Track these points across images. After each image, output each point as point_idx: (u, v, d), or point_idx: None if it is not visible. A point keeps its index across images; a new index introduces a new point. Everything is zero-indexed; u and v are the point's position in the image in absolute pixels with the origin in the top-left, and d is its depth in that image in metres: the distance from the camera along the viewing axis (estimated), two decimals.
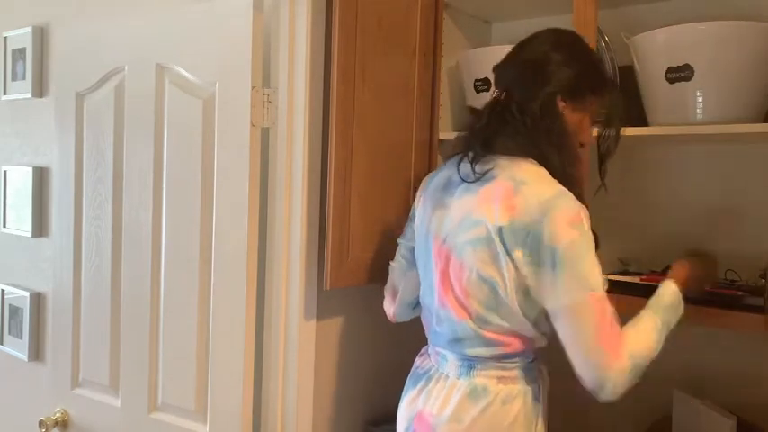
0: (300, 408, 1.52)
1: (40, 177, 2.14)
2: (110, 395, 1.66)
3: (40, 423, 1.72)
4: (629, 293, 1.42)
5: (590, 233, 1.12)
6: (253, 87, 1.41)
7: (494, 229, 1.13)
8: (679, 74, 1.37)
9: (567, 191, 1.13)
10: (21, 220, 2.20)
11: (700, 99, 1.36)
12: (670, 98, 1.41)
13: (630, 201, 1.68)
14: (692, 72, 1.35)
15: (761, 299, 1.29)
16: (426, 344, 1.36)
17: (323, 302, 1.55)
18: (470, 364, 1.21)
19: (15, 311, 2.21)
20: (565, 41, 1.24)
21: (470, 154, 1.22)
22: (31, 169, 2.15)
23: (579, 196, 1.16)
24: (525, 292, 1.15)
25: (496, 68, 1.29)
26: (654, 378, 1.63)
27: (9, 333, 2.26)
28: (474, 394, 1.19)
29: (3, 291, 2.27)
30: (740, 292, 1.33)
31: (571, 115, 1.21)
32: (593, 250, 1.11)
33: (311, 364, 1.53)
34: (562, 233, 1.09)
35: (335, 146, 1.40)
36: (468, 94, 1.75)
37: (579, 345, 1.10)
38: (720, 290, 1.36)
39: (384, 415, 1.70)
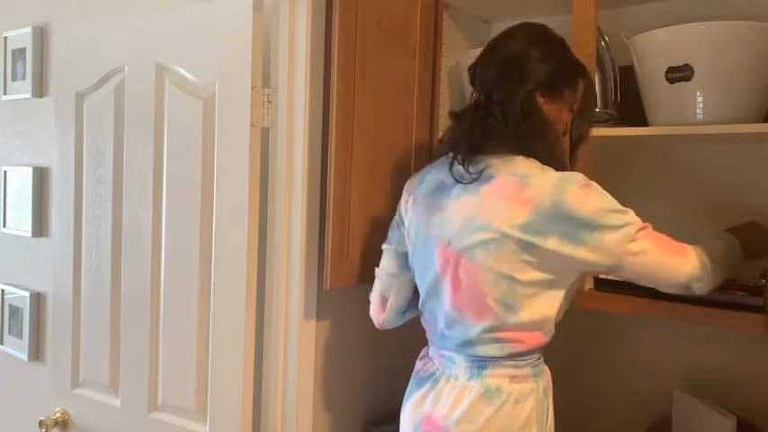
0: (300, 408, 1.52)
1: (40, 177, 2.14)
2: (110, 395, 1.66)
3: (40, 423, 1.72)
4: (629, 293, 1.42)
5: (600, 187, 1.16)
6: (253, 87, 1.41)
7: (509, 227, 1.13)
8: (679, 74, 1.37)
9: (569, 172, 1.17)
10: (21, 220, 2.20)
11: (700, 99, 1.36)
12: (670, 98, 1.40)
13: (630, 200, 1.67)
14: (692, 72, 1.35)
15: (761, 299, 1.29)
16: (425, 345, 1.35)
17: (323, 302, 1.55)
18: (481, 364, 1.20)
19: (15, 311, 2.22)
20: (540, 37, 1.26)
21: (459, 156, 1.22)
22: (31, 169, 2.15)
23: None
24: (549, 284, 1.17)
25: (472, 68, 1.29)
26: (654, 378, 1.64)
27: (9, 333, 2.26)
28: (488, 395, 1.18)
29: (3, 291, 2.28)
30: (740, 292, 1.33)
31: (549, 108, 1.22)
32: (609, 196, 1.15)
33: (311, 364, 1.53)
34: (582, 201, 1.12)
35: (335, 146, 1.40)
36: (469, 94, 1.75)
37: (655, 273, 1.16)
38: (720, 290, 1.36)
39: (384, 415, 1.70)
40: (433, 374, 1.28)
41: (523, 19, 1.84)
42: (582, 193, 1.13)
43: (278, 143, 1.48)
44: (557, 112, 1.24)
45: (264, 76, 1.47)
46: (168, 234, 1.54)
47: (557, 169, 1.17)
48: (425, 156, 1.65)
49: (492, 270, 1.16)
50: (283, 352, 1.51)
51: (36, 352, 2.17)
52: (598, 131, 1.43)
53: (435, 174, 1.30)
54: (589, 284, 1.46)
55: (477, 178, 1.19)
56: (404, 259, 1.36)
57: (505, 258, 1.15)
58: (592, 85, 1.31)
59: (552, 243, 1.12)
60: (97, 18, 1.91)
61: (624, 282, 1.46)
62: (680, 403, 1.50)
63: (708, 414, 1.40)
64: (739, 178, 1.54)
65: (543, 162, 1.19)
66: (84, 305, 1.71)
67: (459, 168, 1.22)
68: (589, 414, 1.72)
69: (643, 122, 1.49)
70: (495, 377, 1.20)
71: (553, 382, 1.29)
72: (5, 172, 2.27)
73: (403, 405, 1.32)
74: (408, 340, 1.47)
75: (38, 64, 2.14)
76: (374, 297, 1.42)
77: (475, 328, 1.19)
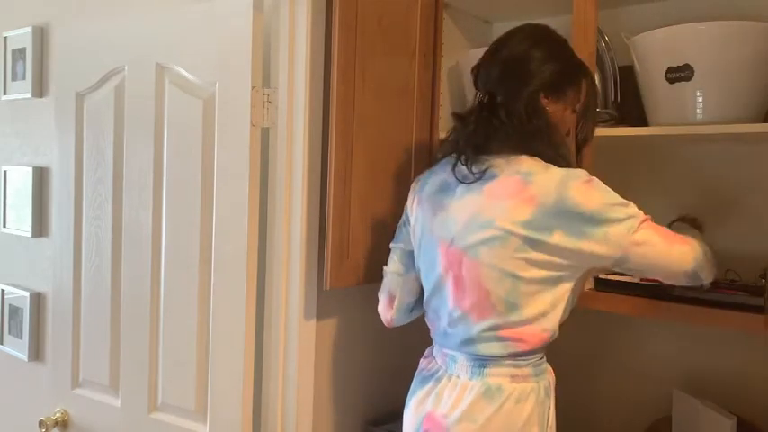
0: (300, 408, 1.52)
1: (40, 177, 2.14)
2: (110, 395, 1.66)
3: (40, 423, 1.72)
4: (629, 293, 1.42)
5: (602, 183, 1.17)
6: (253, 87, 1.41)
7: (512, 225, 1.14)
8: (679, 74, 1.37)
9: (572, 169, 1.18)
10: (21, 220, 2.20)
11: (700, 99, 1.36)
12: (670, 98, 1.41)
13: (630, 200, 1.68)
14: (692, 72, 1.35)
15: (761, 299, 1.29)
16: (429, 344, 1.35)
17: (323, 302, 1.55)
18: (482, 363, 1.21)
19: (15, 311, 2.22)
20: (543, 38, 1.27)
21: (463, 157, 1.22)
22: (31, 169, 2.15)
23: None
24: (554, 281, 1.17)
25: (476, 69, 1.30)
26: (654, 378, 1.64)
27: (9, 333, 2.26)
28: (488, 394, 1.19)
29: (3, 291, 2.28)
30: (740, 292, 1.33)
31: (553, 109, 1.23)
32: (612, 191, 1.16)
33: (311, 364, 1.53)
34: (585, 196, 1.13)
35: (335, 146, 1.40)
36: (469, 94, 1.75)
37: (661, 262, 1.16)
38: (720, 290, 1.36)
39: (384, 415, 1.70)
40: (435, 373, 1.28)
41: (524, 19, 1.84)
42: (585, 189, 1.14)
43: (278, 143, 1.48)
44: (560, 113, 1.24)
45: (264, 76, 1.47)
46: (168, 234, 1.54)
47: (561, 167, 1.18)
48: (425, 156, 1.65)
49: (496, 268, 1.16)
50: (283, 352, 1.51)
51: (36, 352, 2.17)
52: (598, 131, 1.44)
53: (439, 175, 1.31)
54: (589, 284, 1.46)
55: (481, 178, 1.20)
56: (410, 258, 1.36)
57: (509, 256, 1.15)
58: (594, 85, 1.32)
59: (557, 238, 1.13)
60: (97, 18, 1.91)
61: (624, 282, 1.46)
62: (680, 403, 1.50)
63: (708, 414, 1.40)
64: (739, 178, 1.54)
65: (551, 161, 1.19)
66: (84, 305, 1.71)
67: (462, 169, 1.23)
68: (589, 414, 1.72)
69: (643, 122, 1.49)
70: (496, 376, 1.20)
71: (562, 376, 1.29)
72: (5, 172, 2.27)
73: (406, 403, 1.33)
74: (409, 340, 1.47)
75: (38, 64, 2.14)
76: (382, 295, 1.42)
77: (477, 327, 1.20)
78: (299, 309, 1.49)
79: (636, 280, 1.47)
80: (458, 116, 1.29)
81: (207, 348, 1.48)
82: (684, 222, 1.42)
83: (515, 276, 1.16)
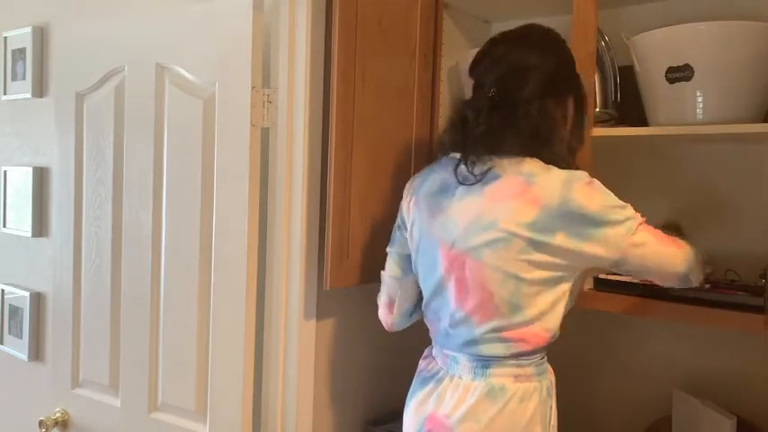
0: (300, 408, 1.52)
1: (40, 177, 2.14)
2: (110, 395, 1.66)
3: (40, 423, 1.72)
4: (629, 293, 1.42)
5: (599, 183, 1.18)
6: (253, 87, 1.41)
7: (516, 226, 1.14)
8: (679, 74, 1.37)
9: (574, 171, 1.19)
10: (21, 220, 2.20)
11: (700, 99, 1.36)
12: (670, 98, 1.41)
13: (630, 200, 1.68)
14: (692, 72, 1.35)
15: (761, 299, 1.29)
16: (428, 344, 1.35)
17: (323, 302, 1.55)
18: (485, 364, 1.20)
19: (15, 311, 2.22)
20: (553, 41, 1.28)
21: (472, 157, 1.21)
22: (31, 169, 2.15)
23: None
24: (556, 281, 1.18)
25: (479, 66, 1.28)
26: (654, 378, 1.64)
27: (9, 333, 2.26)
28: (492, 394, 1.19)
29: (3, 291, 2.28)
30: (740, 292, 1.33)
31: (555, 108, 1.23)
32: (611, 193, 1.18)
33: (311, 364, 1.53)
34: (588, 198, 1.14)
35: (335, 146, 1.40)
36: (469, 94, 1.75)
37: (656, 263, 1.18)
38: (720, 290, 1.36)
39: (384, 415, 1.70)
40: (436, 374, 1.28)
41: (524, 19, 1.84)
42: (587, 191, 1.15)
43: (278, 143, 1.48)
44: (562, 114, 1.25)
45: (264, 76, 1.46)
46: (168, 234, 1.54)
47: (562, 168, 1.19)
48: (425, 156, 1.65)
49: (499, 270, 1.16)
50: (283, 352, 1.51)
51: (36, 352, 2.17)
52: (598, 131, 1.44)
53: (438, 174, 1.30)
54: (589, 284, 1.46)
55: (482, 179, 1.20)
56: (406, 262, 1.36)
57: (512, 258, 1.15)
58: (584, 90, 1.32)
59: (560, 239, 1.14)
60: (97, 18, 1.91)
61: (624, 282, 1.46)
62: (680, 403, 1.50)
63: (708, 414, 1.40)
64: (739, 178, 1.54)
65: (552, 162, 1.19)
66: (84, 305, 1.71)
67: (463, 169, 1.22)
68: (589, 414, 1.72)
69: (643, 122, 1.49)
70: (500, 376, 1.20)
71: (562, 376, 1.29)
72: (5, 172, 2.27)
73: (406, 404, 1.32)
74: (409, 340, 1.47)
75: (38, 64, 2.14)
76: (381, 300, 1.42)
77: (480, 329, 1.19)
78: (299, 309, 1.49)
79: (636, 280, 1.47)
80: (467, 107, 1.26)
81: (207, 348, 1.48)
82: (669, 229, 1.42)
83: (518, 278, 1.16)
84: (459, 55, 1.78)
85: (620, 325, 1.69)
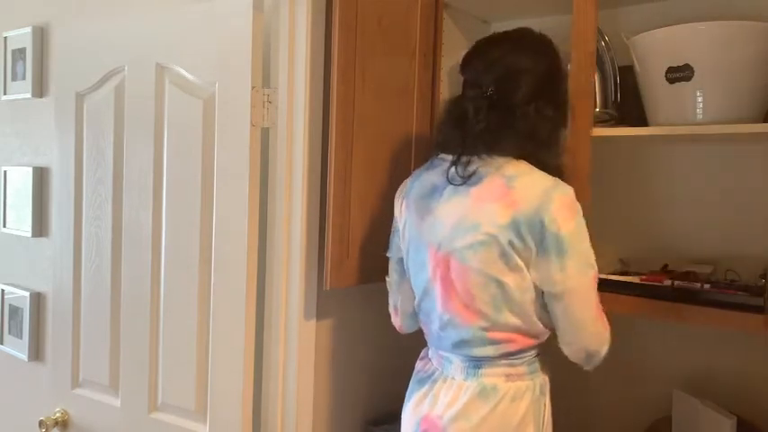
0: (300, 408, 1.52)
1: (40, 177, 2.14)
2: (110, 395, 1.66)
3: (40, 423, 1.72)
4: (629, 293, 1.42)
5: (582, 215, 1.18)
6: (253, 87, 1.41)
7: (496, 229, 1.14)
8: (679, 74, 1.37)
9: (559, 180, 1.18)
10: (21, 220, 2.20)
11: (700, 99, 1.36)
12: (670, 98, 1.41)
13: (630, 201, 1.68)
14: (692, 72, 1.35)
15: (761, 299, 1.29)
16: (425, 345, 1.36)
17: (323, 302, 1.55)
18: (477, 364, 1.21)
19: (15, 311, 2.21)
20: (547, 46, 1.28)
21: (467, 156, 1.21)
22: (31, 169, 2.15)
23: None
24: (534, 286, 1.18)
25: (472, 66, 1.29)
26: (654, 378, 1.64)
27: (9, 333, 2.26)
28: (484, 394, 1.19)
29: (3, 291, 2.28)
30: (740, 292, 1.33)
31: (546, 112, 1.24)
32: (587, 231, 1.18)
33: (311, 364, 1.53)
34: (565, 219, 1.13)
35: (335, 146, 1.40)
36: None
37: (581, 322, 1.18)
38: (720, 290, 1.36)
39: (384, 415, 1.70)
40: (431, 375, 1.29)
41: (524, 19, 1.85)
42: (566, 211, 1.14)
43: (278, 143, 1.48)
44: (554, 113, 1.26)
45: (264, 76, 1.46)
46: (168, 234, 1.53)
47: (553, 173, 1.18)
48: (425, 155, 1.65)
49: (481, 273, 1.17)
50: (283, 352, 1.51)
51: (36, 352, 2.17)
52: (598, 131, 1.44)
53: (428, 176, 1.31)
54: None
55: (468, 180, 1.21)
56: (402, 266, 1.37)
57: (493, 261, 1.16)
58: (567, 92, 1.34)
59: (527, 247, 1.15)
60: (97, 18, 1.90)
61: (624, 282, 1.47)
62: (680, 403, 1.50)
63: (708, 414, 1.40)
64: (739, 178, 1.54)
65: (543, 164, 1.19)
66: (84, 305, 1.71)
67: (452, 169, 1.23)
68: (589, 414, 1.72)
69: (643, 122, 1.49)
70: (491, 376, 1.20)
71: (553, 382, 1.29)
72: (5, 172, 2.27)
73: (404, 405, 1.33)
74: (408, 340, 1.47)
75: (38, 64, 2.14)
76: (390, 305, 1.45)
77: (468, 330, 1.20)
78: (299, 309, 1.49)
79: (636, 280, 1.47)
80: (465, 104, 1.26)
81: (207, 348, 1.48)
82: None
83: (499, 281, 1.16)
84: (459, 55, 1.77)
85: (620, 325, 1.68)
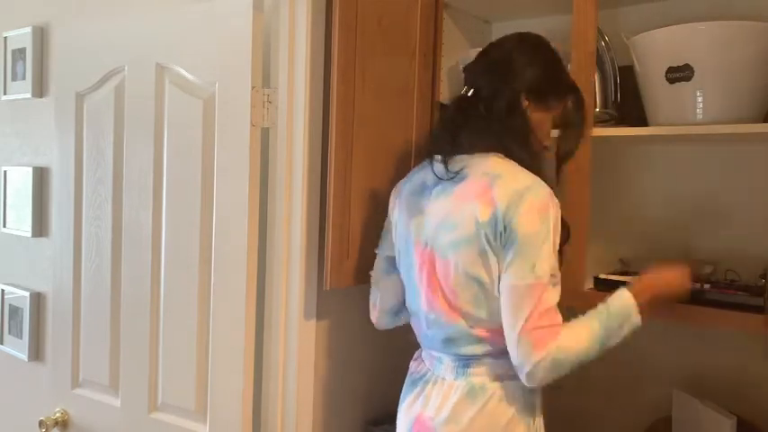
0: (300, 408, 1.52)
1: (40, 177, 2.14)
2: (110, 395, 1.66)
3: (40, 423, 1.72)
4: None
5: (553, 225, 1.14)
6: (253, 87, 1.41)
7: (476, 227, 1.15)
8: (679, 74, 1.37)
9: (540, 180, 1.17)
10: (21, 220, 2.20)
11: (700, 99, 1.36)
12: (670, 98, 1.41)
13: (630, 201, 1.68)
14: (692, 72, 1.35)
15: (761, 299, 1.29)
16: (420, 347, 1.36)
17: (323, 302, 1.55)
18: (466, 363, 1.22)
19: (15, 311, 2.21)
20: (530, 44, 1.29)
21: (441, 153, 1.24)
22: (31, 169, 2.15)
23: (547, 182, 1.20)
24: None
25: (466, 68, 1.33)
26: (654, 378, 1.64)
27: (9, 333, 2.26)
28: (472, 393, 1.19)
29: (3, 291, 2.28)
30: (740, 292, 1.33)
31: (533, 114, 1.25)
32: (551, 241, 1.14)
33: (311, 364, 1.53)
34: (526, 221, 1.13)
35: (335, 146, 1.40)
36: None
37: (512, 326, 1.13)
38: (720, 290, 1.36)
39: (384, 415, 1.70)
40: (423, 375, 1.29)
41: (524, 19, 1.85)
42: (533, 215, 1.13)
43: (278, 143, 1.48)
44: (539, 119, 1.26)
45: (264, 76, 1.46)
46: (168, 234, 1.53)
47: (530, 169, 1.19)
48: (425, 155, 1.65)
49: (462, 271, 1.18)
50: (283, 352, 1.51)
51: (36, 352, 2.17)
52: (598, 131, 1.44)
53: (419, 175, 1.33)
54: (589, 284, 1.46)
55: (454, 177, 1.21)
56: (388, 263, 1.39)
57: (473, 259, 1.16)
58: (583, 106, 1.31)
59: (501, 242, 1.14)
60: (97, 18, 1.90)
61: (624, 282, 1.46)
62: (680, 403, 1.50)
63: (708, 414, 1.40)
64: (739, 178, 1.54)
65: (519, 162, 1.20)
66: (84, 305, 1.71)
67: (439, 166, 1.25)
68: (588, 414, 1.72)
69: (643, 122, 1.49)
70: (480, 375, 1.21)
71: (552, 382, 1.29)
72: (5, 172, 2.27)
73: (399, 407, 1.34)
74: (408, 340, 1.47)
75: (38, 64, 2.14)
76: (370, 299, 1.46)
77: (452, 328, 1.21)
78: (299, 309, 1.49)
79: None
80: (442, 106, 1.31)
81: (207, 348, 1.48)
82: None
83: (479, 280, 1.17)
84: (459, 55, 1.78)
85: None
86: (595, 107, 1.51)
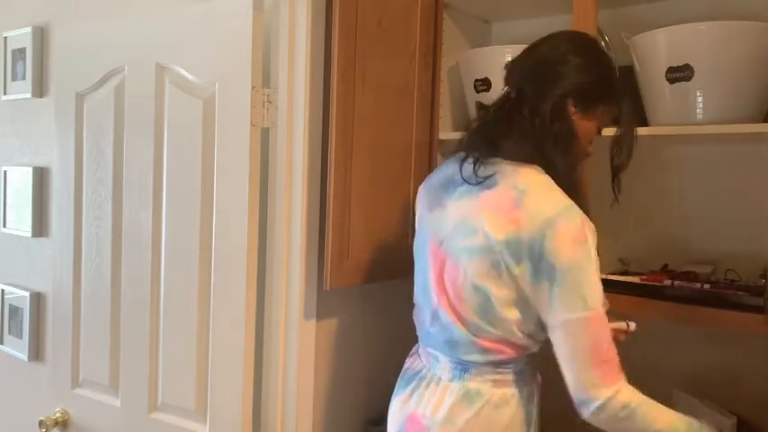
0: (300, 408, 1.52)
1: (40, 177, 2.14)
2: (110, 395, 1.66)
3: (40, 423, 1.72)
4: (629, 293, 1.42)
5: (593, 250, 1.09)
6: (253, 87, 1.41)
7: (495, 241, 1.11)
8: (679, 74, 1.37)
9: (572, 204, 1.11)
10: (21, 220, 2.20)
11: (700, 99, 1.36)
12: (670, 98, 1.41)
13: (631, 200, 1.67)
14: (692, 72, 1.35)
15: (761, 299, 1.29)
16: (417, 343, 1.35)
17: (323, 302, 1.55)
18: (464, 368, 1.20)
19: (15, 311, 2.21)
20: (583, 46, 1.22)
21: (475, 154, 1.19)
22: (31, 169, 2.15)
23: (583, 200, 1.16)
24: (524, 305, 1.13)
25: (509, 65, 1.25)
26: (654, 378, 1.64)
27: (9, 333, 2.26)
28: (467, 397, 1.18)
29: (3, 291, 2.28)
30: (740, 292, 1.33)
31: (579, 122, 1.19)
32: (595, 267, 1.09)
33: (311, 364, 1.53)
34: (564, 250, 1.07)
35: (335, 146, 1.40)
36: (468, 94, 1.75)
37: (574, 361, 1.09)
38: (720, 290, 1.36)
39: (384, 415, 1.69)
40: (419, 373, 1.28)
41: (524, 19, 1.85)
42: (569, 244, 1.07)
43: (278, 143, 1.48)
44: (586, 127, 1.20)
45: (264, 76, 1.46)
46: (168, 234, 1.53)
47: (566, 186, 1.13)
48: (425, 156, 1.65)
49: (471, 280, 1.15)
50: (283, 352, 1.51)
51: (36, 352, 2.17)
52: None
53: (448, 169, 1.28)
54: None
55: (482, 183, 1.16)
56: None
57: (484, 270, 1.13)
58: (635, 117, 1.27)
59: (521, 269, 1.10)
60: (97, 18, 1.90)
61: (624, 282, 1.47)
62: (680, 403, 1.50)
63: (708, 414, 1.40)
64: (739, 178, 1.54)
65: (555, 173, 1.15)
66: (84, 305, 1.71)
67: (468, 168, 1.19)
68: None
69: (643, 122, 1.49)
70: (477, 381, 1.19)
71: (551, 382, 1.29)
72: (5, 172, 2.27)
73: (391, 403, 1.33)
74: (408, 340, 1.47)
75: (38, 64, 2.14)
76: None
77: (457, 332, 1.19)
78: (299, 309, 1.49)
79: (636, 280, 1.47)
80: (482, 106, 1.25)
81: (207, 348, 1.48)
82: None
83: (487, 294, 1.13)
84: (459, 55, 1.78)
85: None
86: (634, 137, 1.49)
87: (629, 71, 1.51)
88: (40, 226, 2.15)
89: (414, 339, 1.41)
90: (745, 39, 1.32)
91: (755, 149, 1.51)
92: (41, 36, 2.14)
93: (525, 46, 1.26)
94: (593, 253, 1.09)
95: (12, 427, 2.28)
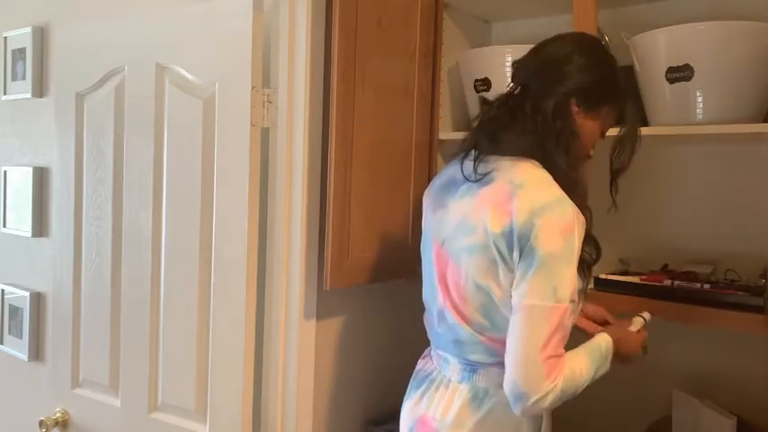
0: (300, 408, 1.52)
1: (40, 177, 2.14)
2: (110, 395, 1.66)
3: (40, 423, 1.72)
4: (629, 293, 1.42)
5: (577, 245, 1.09)
6: (253, 87, 1.41)
7: (491, 235, 1.11)
8: (679, 74, 1.37)
9: (565, 197, 1.11)
10: (21, 220, 2.20)
11: (700, 99, 1.36)
12: (670, 98, 1.41)
13: (630, 201, 1.67)
14: (692, 72, 1.35)
15: (761, 299, 1.29)
16: (428, 345, 1.35)
17: (323, 302, 1.55)
18: (473, 368, 1.20)
19: (15, 311, 2.21)
20: (588, 47, 1.23)
21: (474, 152, 1.19)
22: (31, 169, 2.15)
23: (582, 199, 1.15)
24: None
25: (516, 64, 1.26)
26: (654, 378, 1.64)
27: (9, 333, 2.26)
28: (476, 399, 1.18)
29: (3, 291, 2.27)
30: (740, 292, 1.33)
31: (583, 121, 1.19)
32: (574, 264, 1.09)
33: (311, 364, 1.53)
34: (549, 239, 1.07)
35: (335, 146, 1.40)
36: (468, 94, 1.75)
37: (522, 348, 1.08)
38: (720, 290, 1.36)
39: (384, 415, 1.70)
40: (430, 374, 1.29)
41: (524, 19, 1.85)
42: (554, 233, 1.07)
43: (278, 143, 1.48)
44: (588, 127, 1.20)
45: (264, 76, 1.46)
46: (168, 234, 1.53)
47: (565, 184, 1.13)
48: (425, 156, 1.65)
49: (473, 279, 1.15)
50: (283, 352, 1.51)
51: (36, 352, 2.17)
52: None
53: (451, 169, 1.28)
54: (589, 284, 1.46)
55: (482, 179, 1.17)
56: None
57: (484, 268, 1.13)
58: (636, 112, 1.27)
59: (515, 257, 1.10)
60: (97, 18, 1.90)
61: (624, 282, 1.47)
62: (680, 403, 1.50)
63: (708, 414, 1.40)
64: (739, 178, 1.54)
65: (555, 170, 1.15)
66: (84, 305, 1.71)
67: (468, 165, 1.20)
68: (589, 414, 1.72)
69: (643, 122, 1.49)
70: (485, 381, 1.19)
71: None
72: (5, 172, 2.27)
73: (403, 404, 1.33)
74: (408, 340, 1.48)
75: (38, 64, 2.14)
76: None
77: (462, 332, 1.19)
78: (299, 309, 1.49)
79: (636, 280, 1.47)
80: (484, 101, 1.25)
81: (207, 348, 1.48)
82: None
83: (488, 290, 1.14)
84: (459, 55, 1.78)
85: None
86: (638, 139, 1.49)
87: (629, 71, 1.51)
88: (40, 226, 2.15)
89: (414, 339, 1.42)
90: (745, 39, 1.32)
91: (755, 149, 1.51)
92: (41, 36, 2.14)
93: (525, 46, 1.27)
94: (578, 247, 1.09)
95: (12, 427, 2.28)
